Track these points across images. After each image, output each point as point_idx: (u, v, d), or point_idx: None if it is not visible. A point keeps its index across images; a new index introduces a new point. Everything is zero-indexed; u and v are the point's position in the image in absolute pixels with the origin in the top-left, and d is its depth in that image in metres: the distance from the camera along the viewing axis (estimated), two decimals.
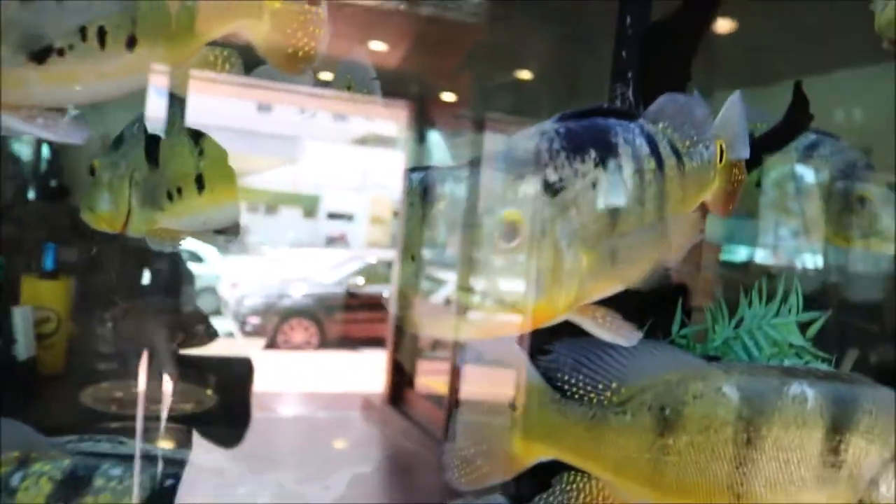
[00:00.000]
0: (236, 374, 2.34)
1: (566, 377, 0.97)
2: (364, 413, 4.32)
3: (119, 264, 2.19)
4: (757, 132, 1.34)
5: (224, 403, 2.17)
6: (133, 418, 2.07)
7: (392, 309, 0.82)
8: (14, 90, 0.77)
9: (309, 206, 7.12)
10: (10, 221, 2.46)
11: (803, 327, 1.14)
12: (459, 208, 0.80)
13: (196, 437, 1.96)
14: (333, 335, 5.55)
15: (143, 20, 0.82)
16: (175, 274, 2.36)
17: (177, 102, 1.15)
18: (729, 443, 0.94)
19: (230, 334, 5.40)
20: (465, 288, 0.77)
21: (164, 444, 0.98)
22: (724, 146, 1.04)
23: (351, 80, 1.16)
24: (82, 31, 0.78)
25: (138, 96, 1.12)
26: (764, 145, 1.29)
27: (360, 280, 5.68)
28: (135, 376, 2.20)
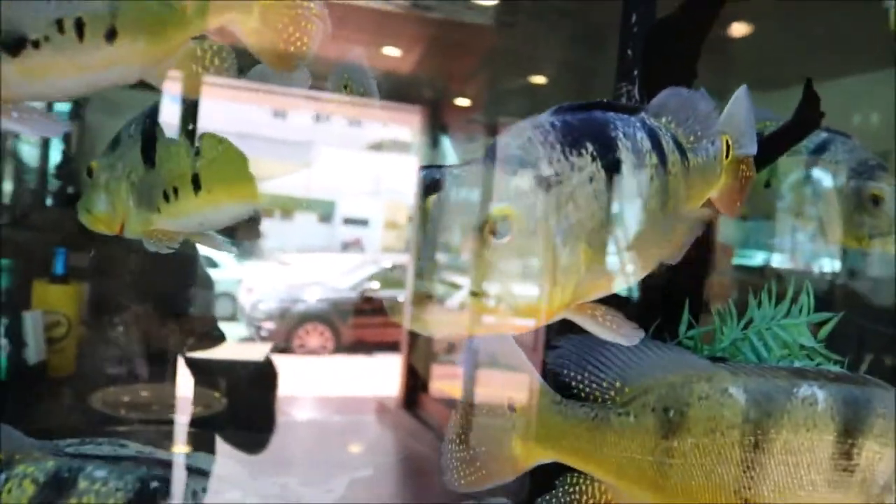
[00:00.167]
0: (254, 379, 2.33)
1: (571, 373, 0.95)
2: (378, 417, 4.31)
3: (133, 269, 2.18)
4: (766, 131, 1.31)
5: (238, 407, 2.16)
6: (141, 421, 2.07)
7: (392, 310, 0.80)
8: None
9: (324, 212, 7.12)
10: (26, 228, 2.47)
11: (819, 330, 1.11)
12: (455, 205, 0.78)
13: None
14: (348, 340, 5.53)
15: (123, 12, 0.79)
16: (191, 279, 2.36)
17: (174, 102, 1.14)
18: (736, 446, 0.91)
19: (248, 339, 5.40)
20: (454, 285, 0.74)
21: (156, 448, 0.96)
22: (730, 142, 1.01)
23: (348, 80, 1.14)
24: (59, 24, 0.77)
25: (150, 100, 1.12)
26: (774, 144, 1.26)
27: (375, 284, 5.66)
28: (144, 380, 2.21)
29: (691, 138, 0.94)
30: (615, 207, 0.82)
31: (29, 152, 2.64)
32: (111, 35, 0.79)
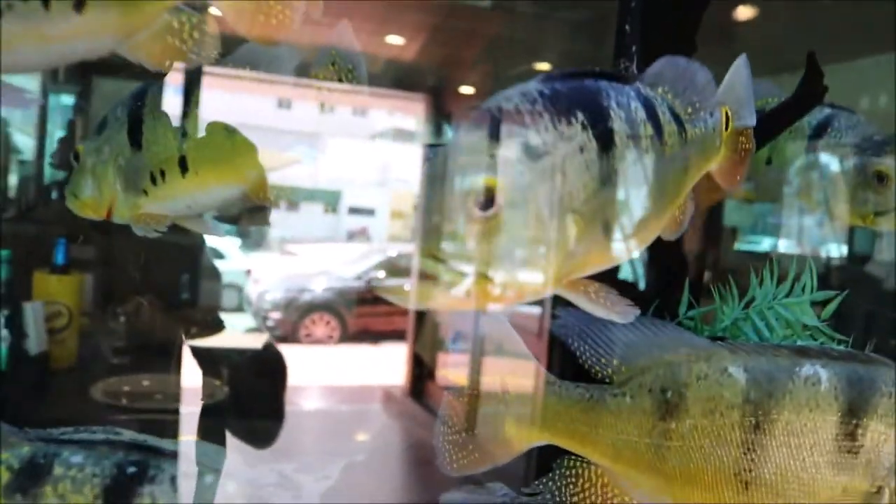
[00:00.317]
0: (260, 369, 2.31)
1: (574, 343, 0.92)
2: (385, 405, 4.31)
3: (138, 259, 2.17)
4: (769, 107, 1.28)
5: (242, 397, 2.14)
6: (142, 411, 2.06)
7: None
8: None
9: (330, 202, 7.11)
10: (30, 220, 2.46)
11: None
12: (442, 178, 0.75)
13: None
14: (355, 329, 5.53)
15: None
16: (195, 269, 2.34)
17: (158, 82, 1.12)
18: (736, 427, 0.88)
19: (254, 328, 5.40)
20: (438, 258, 0.71)
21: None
22: (729, 113, 0.97)
23: (336, 57, 1.11)
24: None
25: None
26: (776, 119, 1.22)
27: (381, 274, 5.65)
28: (145, 370, 2.19)
29: (689, 109, 0.91)
30: (608, 179, 0.79)
31: (31, 145, 2.62)
32: (79, 4, 0.76)
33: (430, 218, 0.72)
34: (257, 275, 5.89)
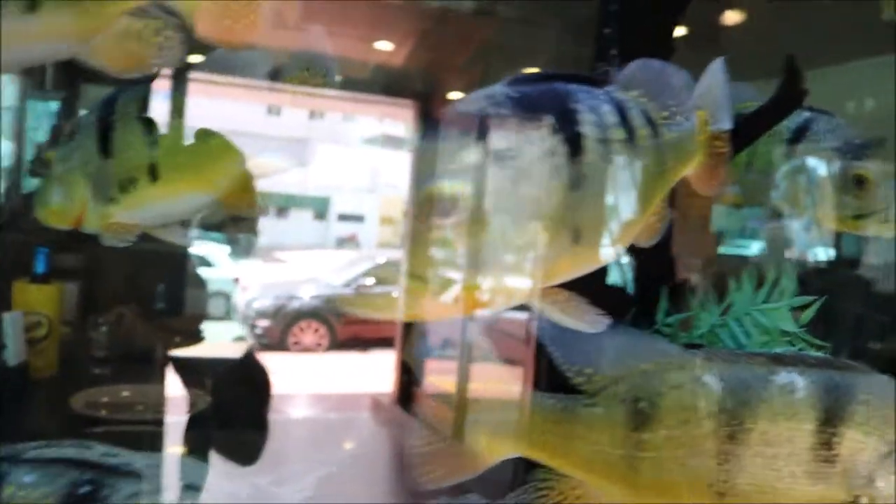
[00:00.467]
0: (241, 379, 2.29)
1: (552, 348, 0.90)
2: (373, 413, 4.28)
3: (122, 269, 2.15)
4: (748, 111, 1.27)
5: (223, 409, 2.11)
6: (122, 423, 2.03)
7: None
8: None
9: (319, 208, 7.10)
10: (10, 228, 2.43)
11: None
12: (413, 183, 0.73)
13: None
14: (343, 337, 5.51)
15: None
16: (182, 278, 2.32)
17: (130, 88, 1.10)
18: (710, 437, 0.87)
19: (241, 337, 5.38)
20: (398, 268, 0.70)
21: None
22: (705, 117, 0.96)
23: (309, 63, 1.09)
24: None
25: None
26: (755, 123, 1.21)
27: (370, 280, 5.63)
28: (126, 381, 2.17)
29: (664, 113, 0.89)
30: (577, 184, 0.77)
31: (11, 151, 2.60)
32: (32, 4, 0.74)
33: (410, 225, 0.70)
34: (245, 282, 5.87)
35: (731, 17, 2.49)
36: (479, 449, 0.90)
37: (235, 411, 2.09)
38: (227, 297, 5.90)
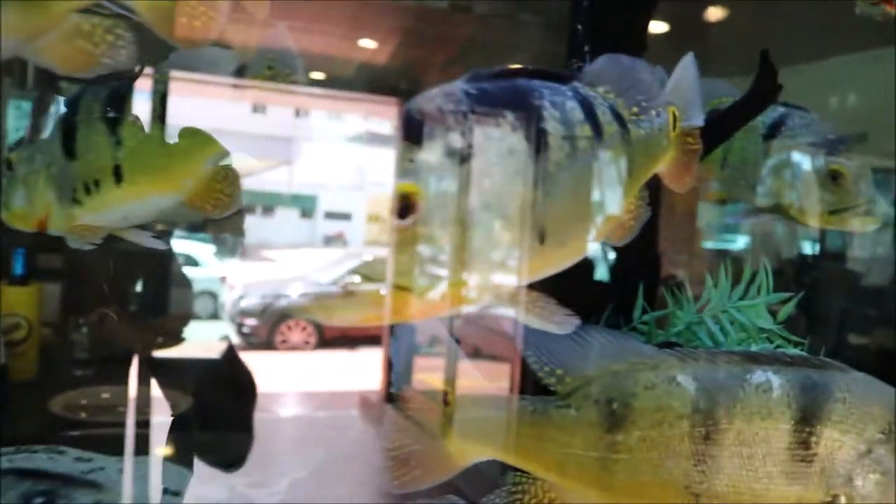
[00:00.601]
0: (225, 382, 2.26)
1: (519, 347, 0.89)
2: (361, 411, 4.26)
3: (105, 270, 2.12)
4: (723, 107, 1.25)
5: (206, 414, 2.09)
6: (100, 425, 2.01)
7: None
8: None
9: (306, 207, 7.07)
10: None
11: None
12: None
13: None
14: (331, 334, 5.49)
15: None
16: (166, 278, 2.30)
17: (94, 88, 1.08)
18: (685, 438, 0.85)
19: (225, 340, 5.35)
20: (358, 272, 0.68)
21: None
22: (676, 113, 0.94)
23: (272, 61, 1.07)
24: None
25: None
26: (730, 119, 1.20)
27: (357, 278, 5.61)
28: (107, 383, 2.15)
29: (634, 109, 0.88)
30: (542, 183, 0.75)
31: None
32: None
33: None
34: (233, 281, 5.84)
35: (713, 13, 2.49)
36: (448, 452, 0.88)
37: (217, 414, 2.07)
38: (214, 296, 5.88)
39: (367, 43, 3.13)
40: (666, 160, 0.94)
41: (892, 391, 0.91)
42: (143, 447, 1.82)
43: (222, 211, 1.06)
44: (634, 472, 0.85)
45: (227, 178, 1.06)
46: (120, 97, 1.06)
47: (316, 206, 6.97)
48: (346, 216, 6.89)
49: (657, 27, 1.78)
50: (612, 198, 0.84)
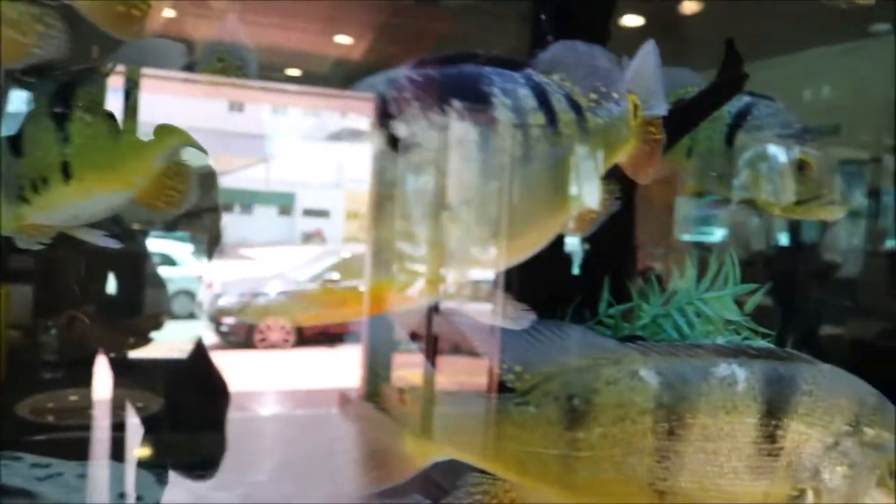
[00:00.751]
0: (197, 385, 2.22)
1: (474, 343, 0.87)
2: (341, 409, 4.23)
3: (76, 270, 2.08)
4: (690, 96, 1.23)
5: (175, 418, 2.05)
6: (68, 429, 1.97)
7: None
8: None
9: (284, 204, 7.01)
10: None
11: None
12: None
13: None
14: (310, 332, 5.44)
15: None
16: (141, 278, 2.26)
17: (41, 83, 1.04)
18: (648, 434, 0.83)
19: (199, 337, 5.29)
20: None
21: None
22: (637, 102, 0.92)
23: (223, 53, 1.04)
24: None
25: None
26: (695, 109, 1.18)
27: (336, 275, 5.57)
28: (76, 385, 2.11)
29: (593, 97, 0.85)
30: (492, 173, 0.72)
31: None
32: None
33: None
34: (210, 280, 5.78)
35: (688, 7, 2.48)
36: (407, 452, 0.86)
37: (186, 418, 2.03)
38: (191, 295, 5.82)
39: (343, 39, 3.10)
40: (627, 150, 0.91)
41: (860, 383, 0.89)
42: (109, 452, 1.79)
43: (174, 208, 1.03)
44: (596, 469, 0.83)
45: (179, 174, 1.03)
46: (67, 92, 1.03)
47: (294, 203, 6.91)
48: (324, 213, 6.84)
49: (632, 21, 1.76)
50: (570, 188, 0.82)
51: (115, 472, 1.46)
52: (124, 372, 2.07)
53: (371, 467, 0.87)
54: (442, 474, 0.91)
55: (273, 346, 5.48)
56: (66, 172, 1.03)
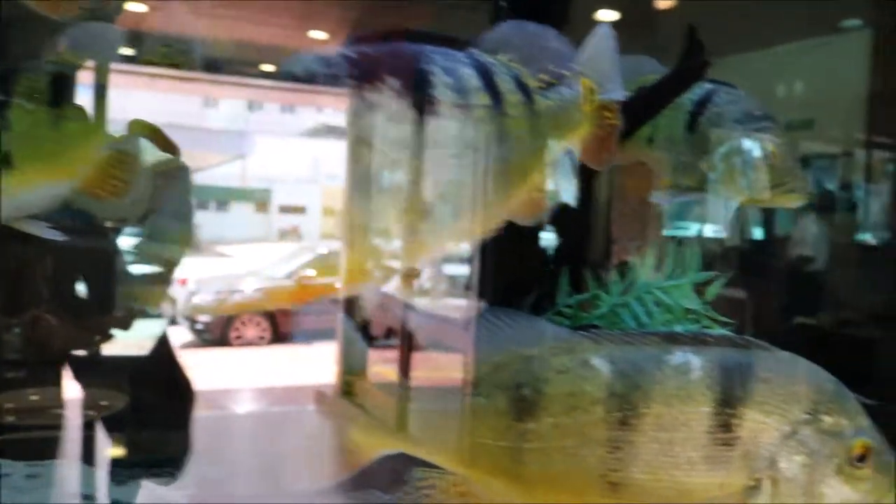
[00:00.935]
0: (161, 384, 2.18)
1: (417, 334, 0.85)
2: (317, 405, 4.20)
3: (45, 269, 2.04)
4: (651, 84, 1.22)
5: (139, 418, 2.01)
6: (29, 428, 1.93)
7: None
8: None
9: (260, 201, 6.96)
10: None
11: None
12: None
13: None
14: (286, 329, 5.40)
15: None
16: (110, 276, 2.22)
17: None
18: (600, 424, 0.81)
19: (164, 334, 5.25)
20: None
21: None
22: (592, 86, 0.90)
23: (167, 40, 1.01)
24: None
25: None
26: (656, 96, 1.16)
27: (312, 272, 5.53)
28: (39, 384, 2.07)
29: (543, 78, 0.83)
30: (431, 154, 0.70)
31: None
32: None
33: None
34: (185, 277, 5.73)
35: (662, 2, 2.47)
36: (356, 445, 0.83)
37: (150, 418, 2.00)
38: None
39: (317, 34, 3.08)
40: (580, 134, 0.89)
41: (818, 370, 0.88)
42: (67, 452, 1.75)
43: (118, 198, 1.00)
44: (548, 461, 0.81)
45: (124, 162, 1.00)
46: (6, 79, 1.00)
47: (270, 200, 6.86)
48: (300, 210, 6.79)
49: (607, 15, 1.75)
50: (518, 172, 0.79)
51: (69, 472, 1.43)
52: (88, 371, 2.04)
53: (332, 460, 0.85)
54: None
55: (249, 343, 5.44)
56: (7, 162, 1.00)
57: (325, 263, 5.40)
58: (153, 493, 1.34)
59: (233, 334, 5.45)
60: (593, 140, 0.90)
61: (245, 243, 6.66)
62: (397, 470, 0.93)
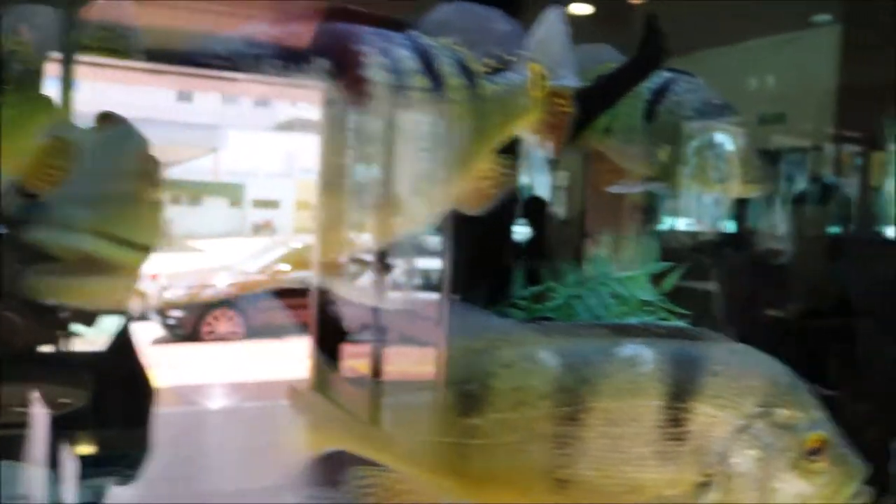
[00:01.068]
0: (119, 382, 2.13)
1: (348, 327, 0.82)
2: (290, 400, 4.16)
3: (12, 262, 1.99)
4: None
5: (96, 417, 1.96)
6: None
7: None
8: None
9: (234, 195, 6.90)
10: None
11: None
12: None
13: None
14: (258, 324, 5.35)
15: None
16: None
17: None
18: (548, 419, 0.78)
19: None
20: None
21: None
22: (543, 72, 0.87)
23: (105, 26, 0.98)
24: None
25: None
26: (614, 84, 1.13)
27: (285, 266, 5.48)
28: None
29: (489, 62, 0.80)
30: (364, 140, 0.67)
31: None
32: None
33: None
34: (156, 272, 5.66)
35: None
36: (296, 443, 0.80)
37: (107, 417, 1.95)
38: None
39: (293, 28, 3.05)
40: (529, 121, 0.86)
41: (772, 362, 0.85)
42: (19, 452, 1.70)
43: (57, 187, 0.96)
44: (493, 457, 0.78)
45: (60, 149, 0.96)
46: None
47: (244, 194, 6.80)
48: (274, 204, 6.74)
49: (581, 9, 1.73)
50: (462, 159, 0.76)
51: (10, 472, 1.39)
52: (48, 368, 1.99)
53: (266, 457, 0.82)
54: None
55: (222, 338, 5.39)
56: None
57: (298, 258, 5.36)
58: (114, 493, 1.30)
59: (205, 329, 5.39)
60: (544, 127, 0.87)
61: (218, 238, 6.60)
62: (337, 469, 0.90)
